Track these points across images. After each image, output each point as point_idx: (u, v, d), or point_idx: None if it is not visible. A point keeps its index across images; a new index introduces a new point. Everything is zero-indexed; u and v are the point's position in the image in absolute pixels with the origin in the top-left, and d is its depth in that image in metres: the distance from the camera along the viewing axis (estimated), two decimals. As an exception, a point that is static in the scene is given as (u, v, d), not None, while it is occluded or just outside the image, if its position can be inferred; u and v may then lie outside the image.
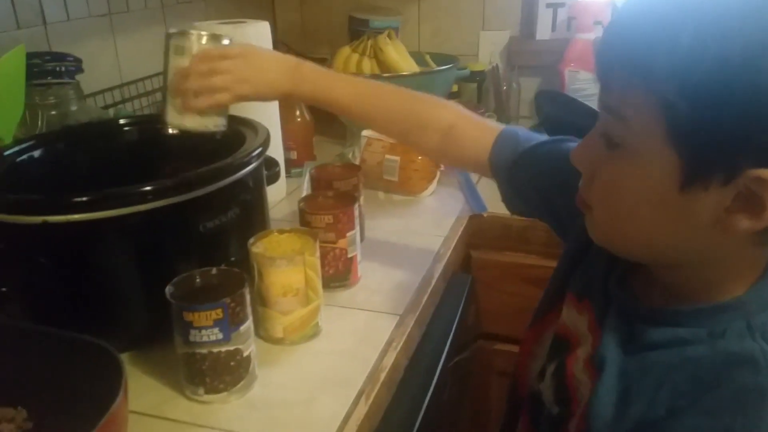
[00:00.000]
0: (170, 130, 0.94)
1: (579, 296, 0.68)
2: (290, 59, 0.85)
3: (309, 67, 0.85)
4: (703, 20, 0.46)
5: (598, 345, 0.61)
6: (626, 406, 0.56)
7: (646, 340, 0.57)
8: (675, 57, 0.47)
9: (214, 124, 0.83)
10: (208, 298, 0.67)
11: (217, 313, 0.67)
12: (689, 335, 0.54)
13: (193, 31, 0.82)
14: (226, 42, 0.84)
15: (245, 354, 0.70)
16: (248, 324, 0.70)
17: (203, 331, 0.67)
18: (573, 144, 0.71)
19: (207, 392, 0.70)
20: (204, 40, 0.82)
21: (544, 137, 0.80)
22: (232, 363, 0.69)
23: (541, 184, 0.78)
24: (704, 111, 0.46)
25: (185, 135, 0.84)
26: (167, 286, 0.69)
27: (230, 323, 0.67)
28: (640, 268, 0.62)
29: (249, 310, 0.71)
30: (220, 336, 0.67)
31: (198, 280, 0.72)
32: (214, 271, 0.73)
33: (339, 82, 0.86)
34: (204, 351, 0.68)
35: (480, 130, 0.84)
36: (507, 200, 0.86)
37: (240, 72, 0.82)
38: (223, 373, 0.69)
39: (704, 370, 0.53)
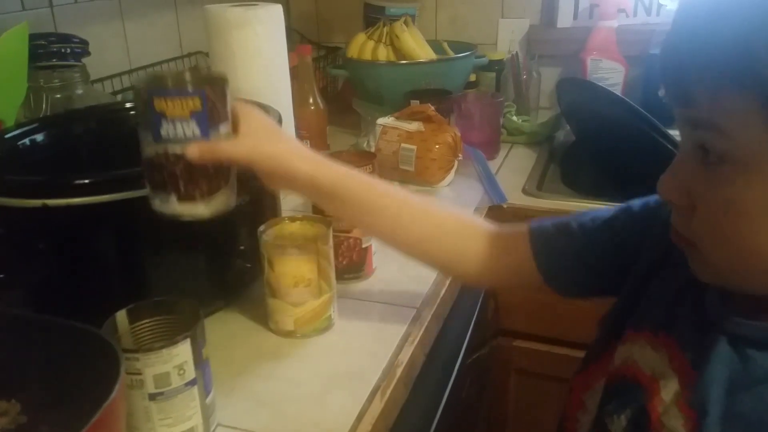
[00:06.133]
0: None
1: (654, 330, 0.59)
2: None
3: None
4: None
5: (690, 382, 0.53)
6: None
7: (762, 370, 0.49)
8: None
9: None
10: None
11: (194, 103, 0.57)
12: None
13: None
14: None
15: None
16: (228, 126, 0.61)
17: (178, 125, 0.58)
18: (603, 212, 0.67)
19: (180, 200, 0.60)
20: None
21: (568, 218, 0.71)
22: (209, 168, 0.60)
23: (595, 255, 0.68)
24: None
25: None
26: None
27: (209, 118, 0.58)
28: None
29: (228, 110, 0.61)
30: (198, 132, 0.58)
31: (170, 81, 0.60)
32: (186, 74, 0.62)
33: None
34: (177, 150, 0.58)
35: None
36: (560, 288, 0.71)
37: None
38: (199, 178, 0.60)
39: None
